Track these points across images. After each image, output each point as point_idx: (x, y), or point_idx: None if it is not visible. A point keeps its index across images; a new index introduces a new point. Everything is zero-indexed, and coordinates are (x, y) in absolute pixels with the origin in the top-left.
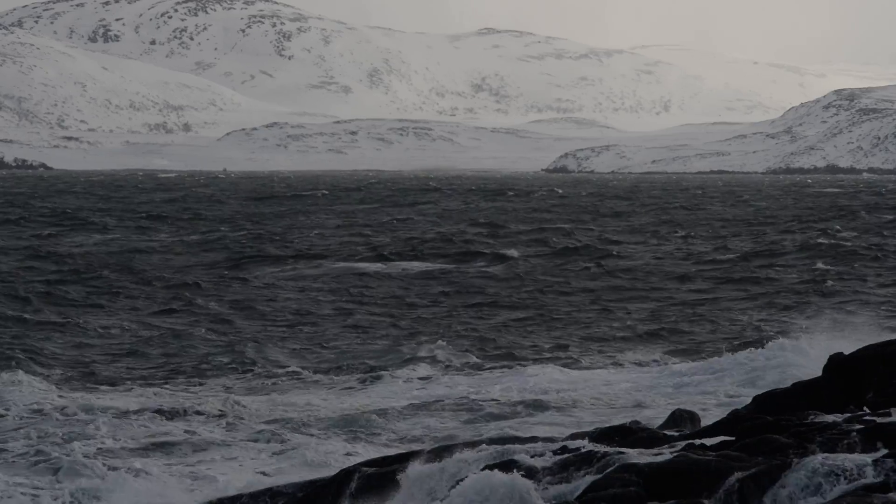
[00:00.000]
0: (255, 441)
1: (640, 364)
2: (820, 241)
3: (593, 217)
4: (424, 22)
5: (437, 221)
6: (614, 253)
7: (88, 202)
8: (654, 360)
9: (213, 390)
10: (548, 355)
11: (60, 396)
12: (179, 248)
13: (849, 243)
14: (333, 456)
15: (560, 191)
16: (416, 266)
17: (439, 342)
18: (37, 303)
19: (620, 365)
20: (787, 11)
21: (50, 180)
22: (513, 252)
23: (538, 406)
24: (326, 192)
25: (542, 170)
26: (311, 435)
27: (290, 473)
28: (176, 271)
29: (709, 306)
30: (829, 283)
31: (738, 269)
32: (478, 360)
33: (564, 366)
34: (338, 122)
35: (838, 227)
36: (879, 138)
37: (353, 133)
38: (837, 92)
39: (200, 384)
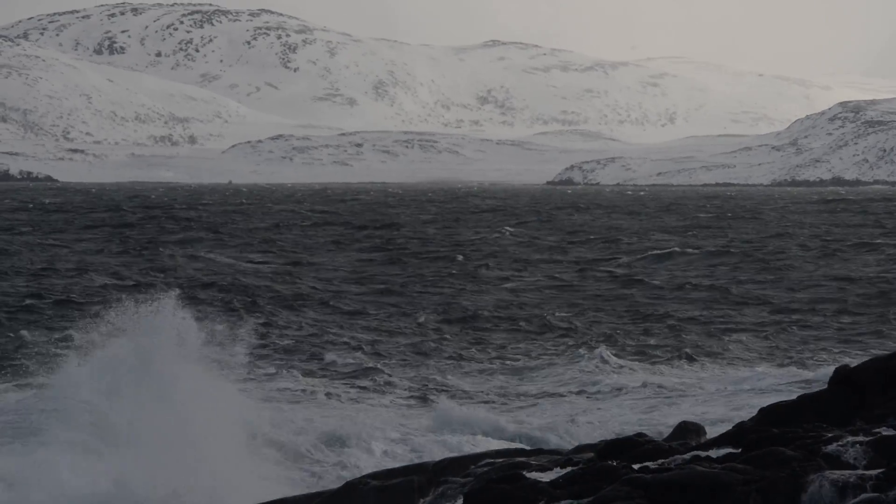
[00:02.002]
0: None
1: None
2: None
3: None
4: (430, 34)
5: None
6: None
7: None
8: None
9: None
10: None
11: None
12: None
13: None
14: None
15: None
16: None
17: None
18: None
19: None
20: (792, 24)
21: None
22: None
23: None
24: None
25: (547, 182)
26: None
27: None
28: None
29: None
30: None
31: None
32: None
33: None
34: (343, 134)
35: None
36: (885, 150)
37: (359, 145)
38: (843, 104)
39: None
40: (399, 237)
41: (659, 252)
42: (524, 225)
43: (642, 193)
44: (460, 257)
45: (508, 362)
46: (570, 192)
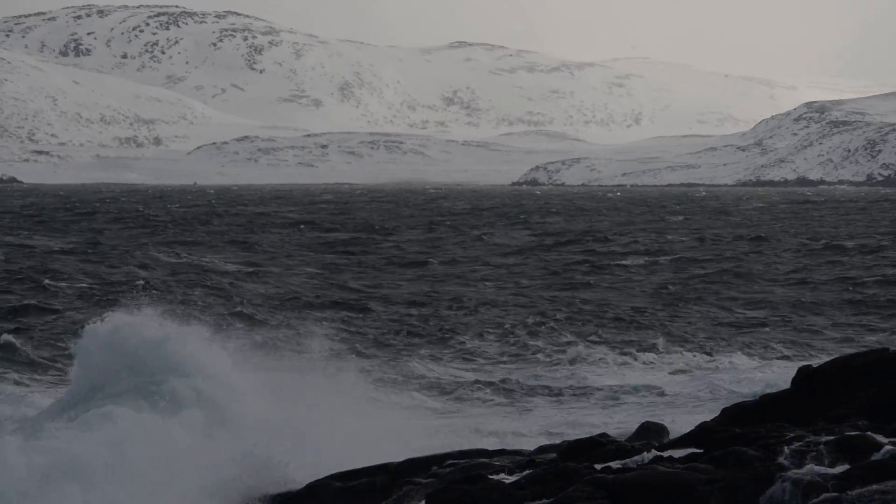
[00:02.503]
0: None
1: None
2: None
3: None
4: (396, 35)
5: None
6: None
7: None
8: None
9: None
10: None
11: None
12: None
13: None
14: None
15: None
16: None
17: None
18: None
19: None
20: (758, 24)
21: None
22: None
23: None
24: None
25: (513, 183)
26: None
27: None
28: None
29: None
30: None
31: None
32: None
33: None
34: (308, 135)
35: None
36: (850, 151)
37: (324, 147)
38: (808, 104)
39: None
40: (373, 240)
41: (643, 252)
42: (498, 226)
43: (614, 194)
44: (434, 261)
45: (480, 361)
46: (538, 192)
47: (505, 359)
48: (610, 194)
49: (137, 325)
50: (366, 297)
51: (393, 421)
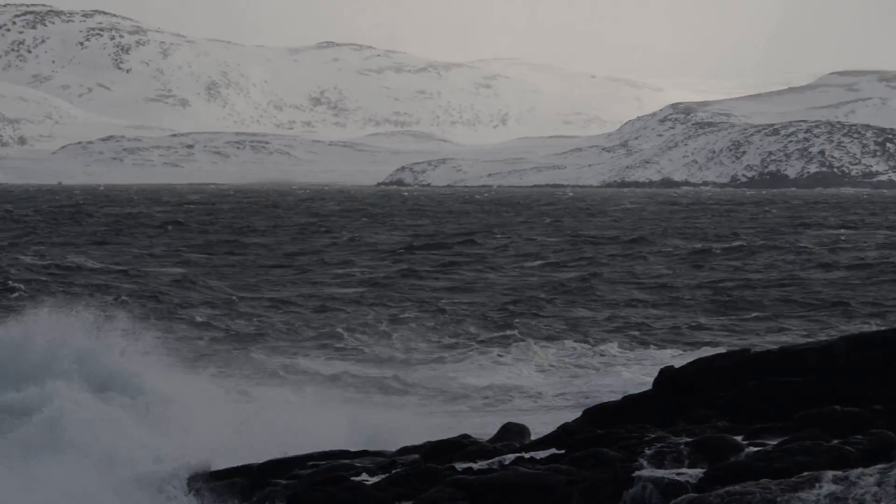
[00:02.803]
0: None
1: None
2: None
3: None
4: (264, 35)
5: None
6: None
7: None
8: None
9: None
10: None
11: None
12: None
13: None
14: None
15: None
16: None
17: None
18: None
19: None
20: (625, 26)
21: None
22: None
23: None
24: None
25: (379, 183)
26: None
27: None
28: None
29: None
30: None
31: None
32: None
33: None
34: (174, 135)
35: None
36: (714, 152)
37: (190, 146)
38: (674, 106)
39: None
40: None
41: (512, 254)
42: (367, 229)
43: (482, 196)
44: (305, 261)
45: (350, 360)
46: (405, 193)
47: (372, 358)
48: (478, 195)
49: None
50: (232, 298)
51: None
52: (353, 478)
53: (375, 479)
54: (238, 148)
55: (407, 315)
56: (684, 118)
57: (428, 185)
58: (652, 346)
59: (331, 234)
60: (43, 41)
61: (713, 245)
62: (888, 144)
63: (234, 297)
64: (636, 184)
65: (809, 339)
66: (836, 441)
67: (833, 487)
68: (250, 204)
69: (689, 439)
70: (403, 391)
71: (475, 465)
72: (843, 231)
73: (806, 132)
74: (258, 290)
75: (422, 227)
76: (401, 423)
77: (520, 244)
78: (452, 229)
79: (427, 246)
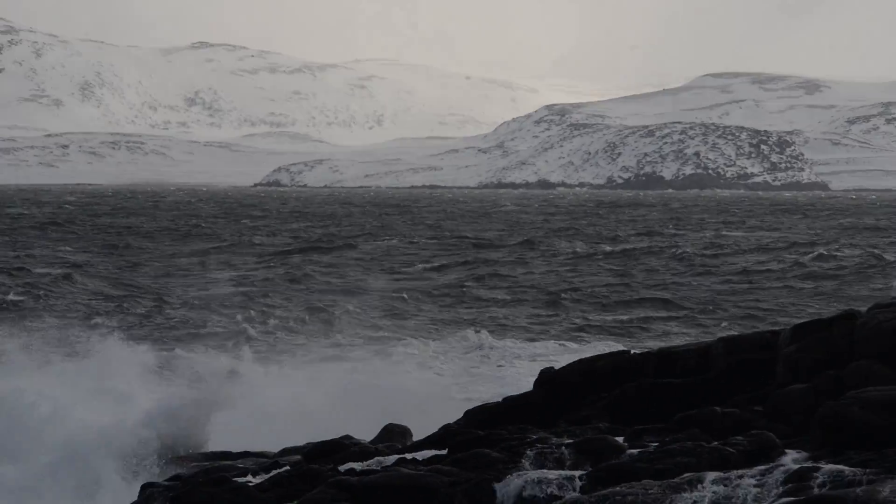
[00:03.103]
0: None
1: None
2: None
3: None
4: (137, 35)
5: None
6: None
7: None
8: None
9: None
10: None
11: None
12: None
13: None
14: None
15: None
16: None
17: None
18: None
19: None
20: (499, 27)
21: None
22: None
23: None
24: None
25: (255, 184)
26: None
27: None
28: None
29: None
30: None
31: None
32: None
33: None
34: (49, 135)
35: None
36: (590, 153)
37: (65, 147)
38: (549, 107)
39: None
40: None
41: (398, 256)
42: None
43: (362, 197)
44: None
45: (225, 355)
46: (277, 194)
47: (244, 354)
48: (357, 198)
49: None
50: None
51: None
52: (235, 478)
53: (258, 480)
54: (113, 148)
55: (287, 314)
56: (559, 119)
57: (305, 185)
58: (534, 346)
59: (213, 237)
60: None
61: (596, 246)
62: (762, 146)
63: (115, 295)
64: (513, 185)
65: (689, 341)
66: (716, 442)
67: (715, 488)
68: (129, 205)
69: (570, 440)
70: None
71: (357, 466)
72: (724, 233)
73: (681, 133)
74: (142, 289)
75: (306, 229)
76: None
77: (402, 247)
78: (335, 231)
79: (310, 249)
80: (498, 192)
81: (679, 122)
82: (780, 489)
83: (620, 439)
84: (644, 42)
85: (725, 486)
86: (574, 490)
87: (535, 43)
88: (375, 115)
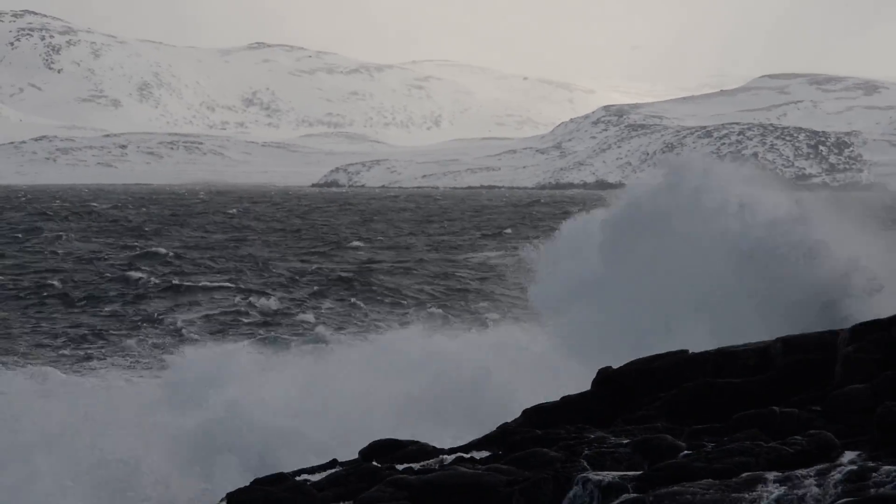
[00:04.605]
0: None
1: None
2: None
3: None
4: (195, 36)
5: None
6: None
7: None
8: None
9: None
10: None
11: None
12: None
13: None
14: None
15: None
16: None
17: None
18: None
19: None
20: (557, 28)
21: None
22: None
23: None
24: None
25: (313, 184)
26: None
27: None
28: None
29: None
30: None
31: None
32: None
33: None
34: (107, 135)
35: None
36: (648, 153)
37: (123, 147)
38: (606, 108)
39: None
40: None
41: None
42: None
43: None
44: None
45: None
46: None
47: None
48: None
49: None
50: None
51: None
52: (293, 476)
53: (316, 478)
54: (171, 148)
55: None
56: (617, 120)
57: (362, 186)
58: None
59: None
60: None
61: None
62: (820, 147)
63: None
64: (571, 185)
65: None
66: (775, 442)
67: (775, 488)
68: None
69: (628, 440)
70: None
71: (415, 465)
72: None
73: (739, 134)
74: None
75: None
76: None
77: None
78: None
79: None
80: (555, 193)
81: (737, 123)
82: (839, 489)
83: (678, 439)
84: (701, 43)
85: (785, 485)
86: (632, 489)
87: (593, 44)
88: (433, 115)
